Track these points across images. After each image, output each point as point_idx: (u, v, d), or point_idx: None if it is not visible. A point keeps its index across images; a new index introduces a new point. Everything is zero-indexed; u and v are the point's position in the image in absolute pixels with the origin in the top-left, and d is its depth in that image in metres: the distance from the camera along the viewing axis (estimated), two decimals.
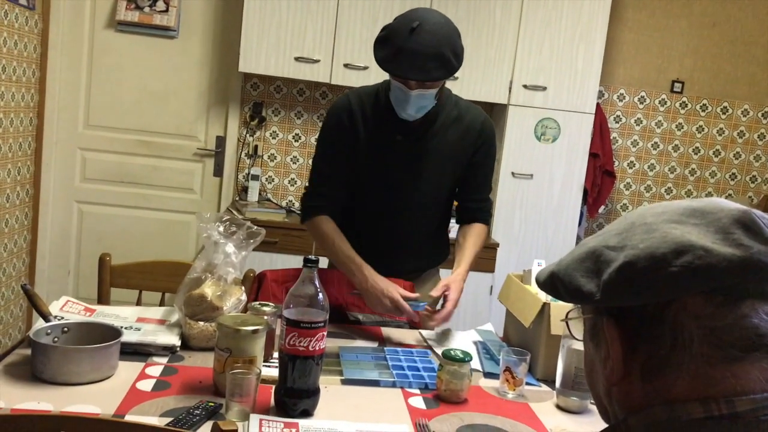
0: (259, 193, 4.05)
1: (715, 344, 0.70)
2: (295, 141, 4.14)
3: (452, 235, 2.37)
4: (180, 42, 3.98)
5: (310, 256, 1.51)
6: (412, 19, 1.92)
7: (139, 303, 2.27)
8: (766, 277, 0.70)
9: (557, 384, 1.67)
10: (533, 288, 1.96)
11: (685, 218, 0.74)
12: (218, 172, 4.11)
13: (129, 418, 1.36)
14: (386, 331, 2.07)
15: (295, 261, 2.19)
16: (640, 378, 0.74)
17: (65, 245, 4.06)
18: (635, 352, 0.74)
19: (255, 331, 1.53)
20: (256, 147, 4.10)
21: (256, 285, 2.17)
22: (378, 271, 2.15)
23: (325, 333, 1.49)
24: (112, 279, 2.28)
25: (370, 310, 2.09)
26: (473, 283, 3.62)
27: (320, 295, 1.48)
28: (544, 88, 3.80)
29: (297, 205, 3.97)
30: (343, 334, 1.98)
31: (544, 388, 1.76)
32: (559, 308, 1.76)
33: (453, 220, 2.37)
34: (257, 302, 1.78)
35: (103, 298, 2.26)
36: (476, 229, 2.23)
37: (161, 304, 2.26)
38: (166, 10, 3.88)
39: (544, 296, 1.83)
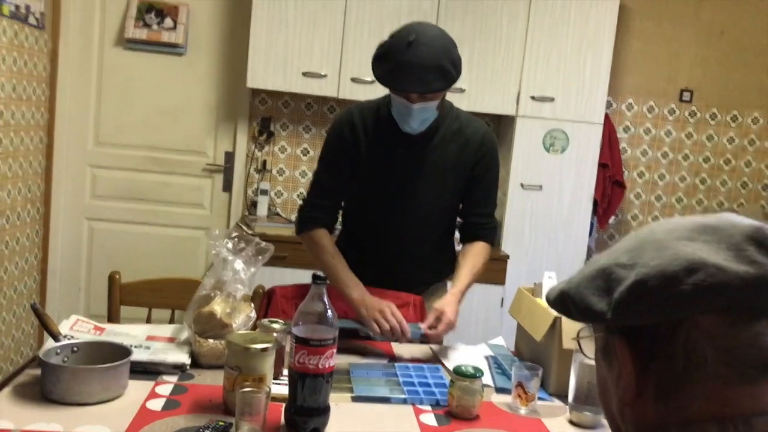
0: (268, 208, 4.05)
1: (730, 364, 0.69)
2: (304, 155, 4.14)
3: (459, 247, 2.35)
4: (188, 59, 4.00)
5: (318, 273, 1.50)
6: (408, 34, 1.93)
7: (149, 320, 2.27)
8: None
9: (570, 399, 1.66)
10: (544, 301, 1.94)
11: (696, 235, 0.73)
12: (227, 187, 4.12)
13: None
14: (396, 346, 2.05)
15: (304, 275, 2.17)
16: (654, 398, 0.73)
17: (76, 263, 4.08)
18: (648, 371, 0.73)
19: (264, 349, 1.52)
20: (264, 162, 4.11)
21: (266, 301, 2.17)
22: (383, 285, 2.15)
23: (335, 350, 1.48)
24: (121, 297, 2.28)
25: None
26: (484, 295, 3.61)
27: (329, 312, 1.47)
28: (552, 99, 3.79)
29: None
30: (353, 350, 1.97)
31: (557, 403, 1.75)
32: (571, 322, 1.74)
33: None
34: (267, 319, 1.77)
35: (113, 316, 2.26)
36: (477, 248, 2.20)
37: (171, 321, 2.26)
38: (174, 28, 3.90)
39: None
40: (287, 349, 1.68)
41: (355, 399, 1.65)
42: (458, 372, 1.62)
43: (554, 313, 1.80)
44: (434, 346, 2.07)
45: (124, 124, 4.02)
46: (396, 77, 1.95)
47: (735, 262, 0.69)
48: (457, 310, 2.01)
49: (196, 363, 1.75)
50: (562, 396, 1.74)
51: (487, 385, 1.77)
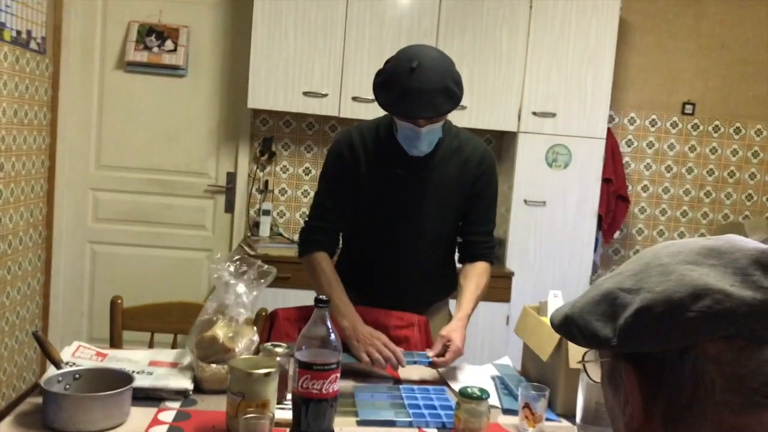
0: (271, 228, 4.04)
1: (738, 391, 0.67)
2: (306, 175, 4.14)
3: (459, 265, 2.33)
4: (189, 80, 4.01)
5: (321, 296, 1.49)
6: (410, 59, 1.92)
7: (151, 345, 2.26)
8: None
9: (578, 419, 1.63)
10: None
11: (701, 259, 0.71)
12: (229, 208, 4.11)
13: None
14: (401, 368, 2.03)
15: (307, 296, 2.15)
16: (662, 425, 0.71)
17: (78, 286, 4.06)
18: (656, 398, 0.71)
19: (267, 374, 1.50)
20: (266, 182, 4.11)
21: (269, 324, 2.15)
22: (385, 305, 2.14)
23: (339, 374, 1.46)
24: (124, 321, 2.27)
25: None
26: (489, 313, 3.59)
27: (332, 336, 1.46)
28: (554, 115, 3.79)
29: None
30: (356, 373, 1.95)
31: (565, 423, 1.72)
32: None
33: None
34: (270, 343, 1.76)
35: (115, 341, 2.24)
36: (479, 269, 2.18)
37: (174, 345, 2.24)
38: (175, 50, 3.91)
39: None
40: (290, 372, 1.66)
41: (360, 423, 1.63)
42: (464, 394, 1.59)
43: None
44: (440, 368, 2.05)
45: (125, 146, 4.02)
46: (404, 105, 1.93)
47: (741, 287, 0.67)
48: (464, 336, 2.00)
49: (199, 388, 1.73)
50: (570, 416, 1.71)
51: (494, 406, 1.74)
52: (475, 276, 2.15)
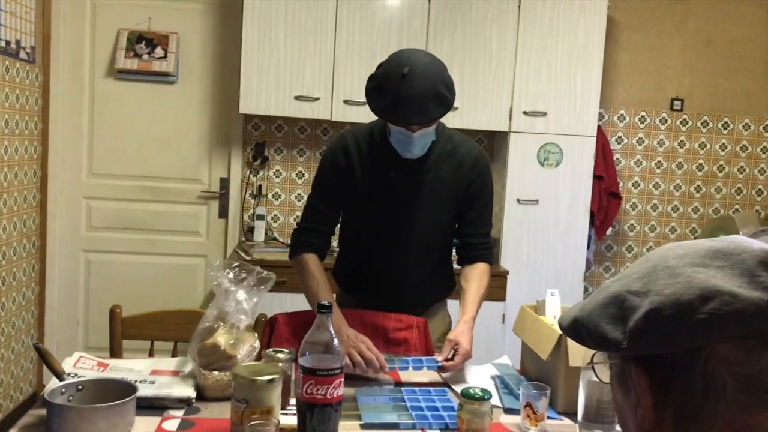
0: (265, 233, 4.04)
1: (750, 391, 0.68)
2: (299, 178, 4.14)
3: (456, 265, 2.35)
4: (180, 87, 4.00)
5: (323, 302, 1.49)
6: (401, 65, 1.92)
7: (151, 353, 2.26)
8: None
9: (579, 417, 1.65)
10: (548, 319, 1.94)
11: (708, 260, 0.72)
12: (223, 213, 4.11)
13: None
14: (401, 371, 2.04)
15: (304, 300, 2.17)
16: (673, 426, 0.72)
17: (73, 295, 4.05)
18: (667, 399, 0.72)
19: (271, 381, 1.51)
20: (260, 187, 4.11)
21: (269, 330, 2.16)
22: (384, 307, 2.15)
23: (342, 379, 1.47)
24: (123, 330, 2.27)
25: (386, 349, 2.07)
26: (485, 313, 3.56)
27: (335, 341, 1.46)
28: (545, 114, 3.81)
29: None
30: (358, 376, 1.95)
31: (566, 421, 1.74)
32: None
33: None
34: (271, 349, 1.76)
35: (115, 350, 2.24)
36: (479, 271, 2.19)
37: (174, 353, 2.24)
38: (165, 56, 3.91)
39: None
40: (293, 378, 1.67)
41: (364, 426, 1.64)
42: (466, 395, 1.61)
43: (559, 330, 1.79)
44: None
45: (117, 154, 4.02)
46: (396, 112, 1.94)
47: (749, 288, 0.69)
48: (471, 339, 2.01)
49: (202, 396, 1.73)
50: (571, 414, 1.73)
51: (496, 406, 1.76)
52: (476, 278, 2.16)
